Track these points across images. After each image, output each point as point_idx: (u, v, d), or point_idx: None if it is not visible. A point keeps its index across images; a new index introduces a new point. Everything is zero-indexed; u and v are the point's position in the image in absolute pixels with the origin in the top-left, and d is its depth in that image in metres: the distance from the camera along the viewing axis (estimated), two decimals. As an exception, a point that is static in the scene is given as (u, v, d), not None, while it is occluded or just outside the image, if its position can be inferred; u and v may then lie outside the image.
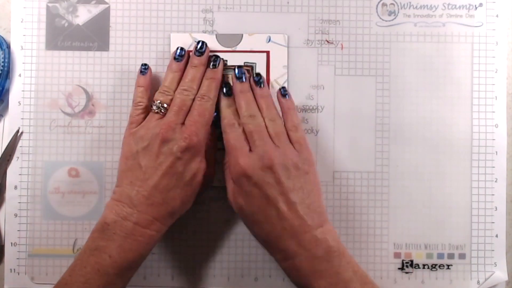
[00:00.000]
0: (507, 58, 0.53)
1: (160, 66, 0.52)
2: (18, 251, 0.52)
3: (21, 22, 0.52)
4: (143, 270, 0.52)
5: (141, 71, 0.51)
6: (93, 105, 0.52)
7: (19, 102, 0.52)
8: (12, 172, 0.52)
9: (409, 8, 0.53)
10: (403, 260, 0.52)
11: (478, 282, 0.52)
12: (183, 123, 0.47)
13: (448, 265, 0.52)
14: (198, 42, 0.50)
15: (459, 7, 0.53)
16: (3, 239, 0.52)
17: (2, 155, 0.52)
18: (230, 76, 0.51)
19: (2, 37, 0.52)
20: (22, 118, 0.52)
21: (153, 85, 0.52)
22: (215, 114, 0.50)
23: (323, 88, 0.53)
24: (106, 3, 0.52)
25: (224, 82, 0.50)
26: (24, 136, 0.52)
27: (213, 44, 0.52)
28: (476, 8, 0.53)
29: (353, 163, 0.52)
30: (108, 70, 0.52)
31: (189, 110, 0.48)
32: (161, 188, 0.46)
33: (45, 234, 0.52)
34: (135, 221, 0.45)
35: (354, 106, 0.53)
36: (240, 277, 0.52)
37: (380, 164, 0.53)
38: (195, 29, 0.52)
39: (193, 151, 0.47)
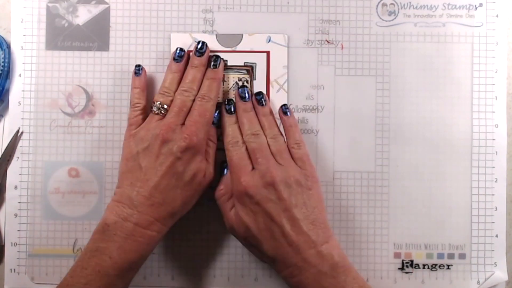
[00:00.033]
0: (507, 58, 0.53)
1: (160, 66, 0.52)
2: (18, 251, 0.52)
3: (21, 22, 0.52)
4: (143, 270, 0.52)
5: (135, 73, 0.51)
6: (93, 105, 0.52)
7: (19, 102, 0.52)
8: (12, 172, 0.52)
9: (409, 8, 0.53)
10: (403, 260, 0.52)
11: (478, 282, 0.52)
12: (183, 124, 0.48)
13: (448, 265, 0.52)
14: (198, 42, 0.50)
15: (459, 7, 0.53)
16: (3, 239, 0.52)
17: (2, 155, 0.52)
18: (233, 94, 0.51)
19: (2, 37, 0.52)
20: (22, 118, 0.52)
21: (151, 85, 0.52)
22: (216, 114, 0.50)
23: (323, 88, 0.53)
24: (106, 3, 0.52)
25: (227, 100, 0.50)
26: (24, 136, 0.52)
27: (213, 44, 0.52)
28: (476, 8, 0.53)
29: (353, 163, 0.52)
30: (108, 70, 0.52)
31: (190, 110, 0.48)
32: (161, 189, 0.46)
33: (45, 234, 0.52)
34: (136, 221, 0.45)
35: (354, 106, 0.53)
36: (240, 277, 0.52)
37: (380, 164, 0.53)
38: (195, 29, 0.52)
39: (193, 151, 0.47)
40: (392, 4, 0.53)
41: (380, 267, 0.52)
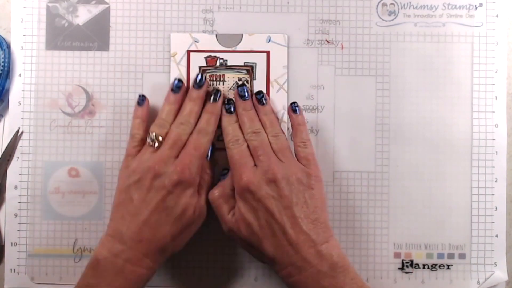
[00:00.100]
0: (507, 58, 0.53)
1: (160, 66, 0.52)
2: (18, 251, 0.52)
3: (21, 22, 0.52)
4: (143, 270, 0.52)
5: (138, 102, 0.50)
6: (93, 105, 0.52)
7: (19, 102, 0.52)
8: (12, 172, 0.52)
9: (409, 8, 0.53)
10: (403, 260, 0.52)
11: (478, 282, 0.52)
12: (177, 157, 0.47)
13: (448, 265, 0.52)
14: (197, 75, 0.50)
15: (459, 7, 0.53)
16: (3, 239, 0.52)
17: (2, 155, 0.52)
18: (233, 93, 0.51)
19: (2, 37, 0.52)
20: (22, 118, 0.52)
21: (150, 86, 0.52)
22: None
23: (323, 88, 0.53)
24: (106, 3, 0.52)
25: (227, 99, 0.50)
26: (24, 136, 0.52)
27: (213, 44, 0.52)
28: (476, 8, 0.53)
29: (353, 163, 0.53)
30: (108, 70, 0.52)
31: (184, 144, 0.48)
32: (151, 224, 0.45)
33: (45, 234, 0.52)
34: (126, 258, 0.45)
35: (354, 106, 0.53)
36: (240, 277, 0.52)
37: (380, 164, 0.53)
38: (195, 29, 0.52)
39: (185, 185, 0.46)
40: (392, 4, 0.53)
41: (380, 267, 0.52)
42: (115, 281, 0.44)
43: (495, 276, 0.52)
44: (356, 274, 0.45)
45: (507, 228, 0.53)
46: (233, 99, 0.50)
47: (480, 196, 0.53)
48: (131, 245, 0.45)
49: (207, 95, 0.50)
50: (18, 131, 0.52)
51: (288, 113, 0.51)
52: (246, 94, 0.50)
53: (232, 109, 0.50)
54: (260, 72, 0.52)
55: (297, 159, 0.49)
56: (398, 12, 0.53)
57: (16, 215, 0.52)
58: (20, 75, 0.52)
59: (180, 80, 0.50)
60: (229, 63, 0.52)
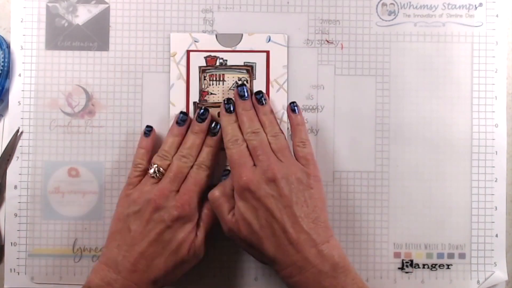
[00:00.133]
0: (507, 58, 0.53)
1: (160, 66, 0.52)
2: (18, 251, 0.52)
3: (21, 22, 0.52)
4: (143, 270, 0.52)
5: (144, 133, 0.50)
6: (93, 105, 0.52)
7: (19, 102, 0.52)
8: (12, 172, 0.52)
9: (409, 8, 0.53)
10: (403, 260, 0.52)
11: (478, 282, 0.52)
12: (177, 190, 0.48)
13: (448, 265, 0.52)
14: (200, 108, 0.50)
15: (459, 7, 0.53)
16: (3, 239, 0.52)
17: (2, 155, 0.52)
18: (233, 93, 0.51)
19: (2, 37, 0.52)
20: (22, 118, 0.52)
21: (149, 85, 0.52)
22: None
23: (323, 88, 0.53)
24: (106, 3, 0.52)
25: (226, 99, 0.50)
26: (24, 136, 0.52)
27: (213, 44, 0.52)
28: (476, 8, 0.53)
29: (353, 163, 0.52)
30: (108, 70, 0.52)
31: (185, 177, 0.48)
32: (147, 256, 0.46)
33: (45, 234, 0.52)
34: (119, 287, 0.45)
35: (354, 106, 0.53)
36: (240, 277, 0.52)
37: (380, 164, 0.53)
38: (195, 29, 0.52)
39: (184, 220, 0.47)
40: (392, 4, 0.53)
41: (380, 267, 0.52)
42: None
43: (495, 276, 0.52)
44: (356, 274, 0.45)
45: (507, 228, 0.53)
46: (233, 98, 0.50)
47: (480, 196, 0.53)
48: (125, 275, 0.45)
49: (208, 129, 0.50)
50: (18, 131, 0.52)
51: (287, 113, 0.51)
52: (246, 93, 0.50)
53: (232, 109, 0.50)
54: (260, 72, 0.52)
55: (296, 159, 0.49)
56: (398, 12, 0.53)
57: (16, 215, 0.52)
58: (20, 75, 0.52)
59: (185, 114, 0.50)
60: (229, 63, 0.52)
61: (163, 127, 0.52)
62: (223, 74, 0.52)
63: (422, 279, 0.52)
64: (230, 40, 0.52)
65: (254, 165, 0.47)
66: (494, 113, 0.53)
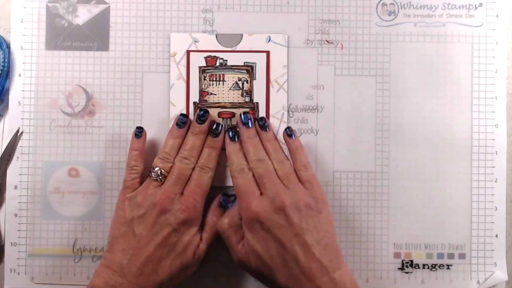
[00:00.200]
0: (507, 58, 0.53)
1: (160, 66, 0.52)
2: (18, 251, 0.52)
3: (21, 22, 0.52)
4: (143, 270, 0.52)
5: (135, 134, 0.50)
6: (93, 105, 0.52)
7: (19, 102, 0.52)
8: (12, 172, 0.52)
9: (409, 8, 0.53)
10: (403, 260, 0.52)
11: (478, 282, 0.52)
12: (181, 193, 0.48)
13: (448, 265, 0.52)
14: (200, 110, 0.50)
15: (459, 7, 0.53)
16: (3, 239, 0.52)
17: (2, 155, 0.52)
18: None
19: (2, 37, 0.52)
20: (22, 118, 0.52)
21: (148, 86, 0.52)
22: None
23: (323, 88, 0.53)
24: (106, 3, 0.52)
25: (230, 127, 0.50)
26: (24, 136, 0.52)
27: (213, 44, 0.52)
28: (476, 8, 0.53)
29: (353, 163, 0.52)
30: (108, 70, 0.52)
31: (188, 178, 0.48)
32: (154, 259, 0.46)
33: (45, 234, 0.52)
34: None
35: (354, 106, 0.53)
36: (240, 277, 0.52)
37: (380, 164, 0.53)
38: (195, 29, 0.52)
39: (190, 223, 0.47)
40: (392, 4, 0.53)
41: (380, 267, 0.52)
42: None
43: (495, 276, 0.52)
44: None
45: (507, 228, 0.53)
46: (237, 126, 0.50)
47: (480, 196, 0.53)
48: (131, 279, 0.45)
49: (209, 130, 0.50)
50: (18, 131, 0.52)
51: (284, 139, 0.50)
52: (250, 122, 0.50)
53: (236, 137, 0.50)
54: (260, 72, 0.52)
55: (301, 183, 0.48)
56: (398, 12, 0.53)
57: (16, 215, 0.52)
58: (20, 75, 0.52)
59: (185, 116, 0.50)
60: (229, 63, 0.52)
61: (163, 127, 0.52)
62: (223, 74, 0.52)
63: (422, 279, 0.52)
64: (230, 40, 0.52)
65: (261, 193, 0.47)
66: (494, 113, 0.53)
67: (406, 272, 0.52)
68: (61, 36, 0.52)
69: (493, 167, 0.53)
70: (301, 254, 0.44)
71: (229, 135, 0.50)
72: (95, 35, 0.52)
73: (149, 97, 0.52)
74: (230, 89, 0.52)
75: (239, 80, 0.52)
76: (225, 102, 0.52)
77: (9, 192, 0.52)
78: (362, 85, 0.53)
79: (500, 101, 0.53)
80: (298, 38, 0.53)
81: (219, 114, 0.52)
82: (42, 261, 0.52)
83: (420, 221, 0.52)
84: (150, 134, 0.52)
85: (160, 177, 0.48)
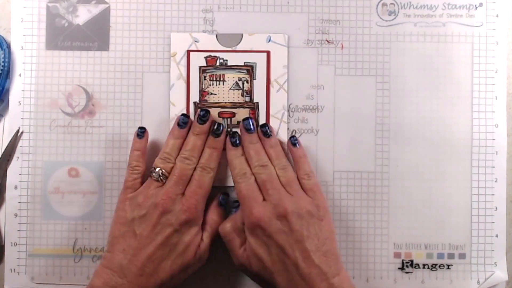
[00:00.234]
0: (507, 58, 0.53)
1: (160, 66, 0.52)
2: (18, 251, 0.52)
3: (21, 22, 0.52)
4: (143, 270, 0.52)
5: (138, 134, 0.50)
6: (93, 105, 0.52)
7: (19, 102, 0.52)
8: (12, 172, 0.52)
9: (409, 8, 0.53)
10: (403, 260, 0.52)
11: (478, 282, 0.52)
12: (182, 193, 0.47)
13: (448, 265, 0.52)
14: (201, 110, 0.50)
15: (459, 7, 0.53)
16: (3, 239, 0.52)
17: (2, 155, 0.52)
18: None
19: (2, 37, 0.52)
20: (22, 118, 0.52)
21: (148, 85, 0.52)
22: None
23: (323, 88, 0.53)
24: (106, 3, 0.52)
25: (232, 133, 0.50)
26: (24, 136, 0.52)
27: (213, 44, 0.52)
28: (476, 8, 0.53)
29: (353, 163, 0.52)
30: (108, 70, 0.52)
31: (189, 179, 0.48)
32: (154, 259, 0.46)
33: (45, 234, 0.52)
34: None
35: (354, 106, 0.53)
36: (240, 277, 0.52)
37: (380, 164, 0.53)
38: (195, 29, 0.53)
39: (191, 223, 0.47)
40: (392, 4, 0.53)
41: (380, 267, 0.52)
42: None
43: (495, 276, 0.52)
44: None
45: (507, 228, 0.53)
46: (238, 131, 0.50)
47: (480, 196, 0.53)
48: (131, 279, 0.45)
49: (210, 130, 0.50)
50: (18, 131, 0.52)
51: (288, 147, 0.51)
52: (252, 127, 0.50)
53: (238, 142, 0.50)
54: (260, 72, 0.52)
55: (303, 191, 0.48)
56: (398, 12, 0.53)
57: (16, 215, 0.52)
58: (20, 75, 0.52)
59: (186, 116, 0.50)
60: (229, 63, 0.52)
61: (163, 127, 0.52)
62: (223, 74, 0.52)
63: (422, 279, 0.52)
64: (230, 40, 0.52)
65: (264, 199, 0.47)
66: (494, 113, 0.53)
67: (406, 272, 0.52)
68: (61, 36, 0.52)
69: (493, 167, 0.53)
70: (301, 260, 0.45)
71: (231, 141, 0.50)
72: (95, 35, 0.52)
73: (149, 97, 0.52)
74: (230, 89, 0.52)
75: (239, 80, 0.52)
76: (225, 102, 0.52)
77: (9, 192, 0.52)
78: (362, 85, 0.53)
79: (500, 101, 0.53)
80: (298, 38, 0.53)
81: (219, 114, 0.52)
82: (42, 261, 0.52)
83: (420, 221, 0.52)
84: (150, 134, 0.51)
85: (161, 178, 0.48)
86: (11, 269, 0.52)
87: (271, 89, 0.52)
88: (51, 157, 0.52)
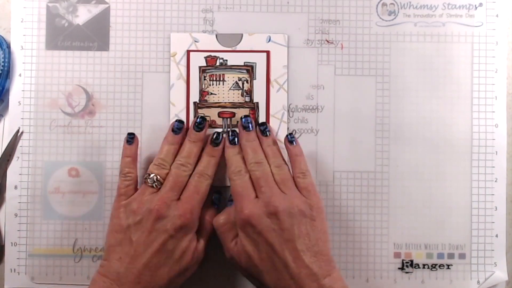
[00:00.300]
0: (507, 58, 0.53)
1: (160, 66, 0.52)
2: (18, 251, 0.52)
3: (21, 22, 0.52)
4: (143, 270, 0.52)
5: (127, 141, 0.50)
6: (93, 105, 0.52)
7: (19, 102, 0.52)
8: (12, 172, 0.52)
9: (409, 8, 0.53)
10: (403, 260, 0.52)
11: (478, 282, 0.52)
12: (177, 199, 0.47)
13: (448, 265, 0.52)
14: (198, 117, 0.50)
15: (459, 7, 0.53)
16: (3, 239, 0.52)
17: (2, 155, 0.52)
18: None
19: (2, 37, 0.52)
20: (22, 118, 0.52)
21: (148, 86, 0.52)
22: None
23: (323, 88, 0.53)
24: (106, 3, 0.52)
25: (230, 131, 0.50)
26: (24, 136, 0.52)
27: (213, 44, 0.52)
28: (476, 8, 0.53)
29: (353, 163, 0.52)
30: (108, 70, 0.52)
31: (184, 185, 0.48)
32: (151, 266, 0.45)
33: (45, 234, 0.52)
34: None
35: (354, 106, 0.53)
36: (240, 277, 0.52)
37: (380, 164, 0.53)
38: (195, 29, 0.53)
39: (187, 229, 0.47)
40: (392, 4, 0.53)
41: (380, 267, 0.52)
42: None
43: (495, 276, 0.52)
44: None
45: (507, 228, 0.53)
46: (237, 130, 0.50)
47: (480, 196, 0.53)
48: (128, 287, 0.45)
49: (210, 139, 0.50)
50: (18, 131, 0.52)
51: (285, 145, 0.50)
52: (250, 125, 0.50)
53: (236, 140, 0.50)
54: (260, 72, 0.52)
55: (298, 190, 0.48)
56: (398, 12, 0.53)
57: (16, 215, 0.52)
58: (20, 75, 0.52)
59: (181, 121, 0.50)
60: (229, 63, 0.52)
61: (163, 127, 0.52)
62: (223, 74, 0.52)
63: (422, 279, 0.52)
64: (230, 40, 0.52)
65: (257, 196, 0.47)
66: (494, 113, 0.53)
67: (406, 272, 0.52)
68: (61, 36, 0.52)
69: (493, 167, 0.53)
70: (290, 260, 0.44)
71: (228, 138, 0.50)
72: (95, 35, 0.52)
73: (149, 97, 0.52)
74: (230, 89, 0.52)
75: (239, 80, 0.52)
76: (225, 102, 0.52)
77: (9, 192, 0.52)
78: (362, 85, 0.53)
79: (500, 101, 0.53)
80: (298, 38, 0.53)
81: (219, 114, 0.52)
82: (42, 261, 0.52)
83: (420, 221, 0.52)
84: (150, 134, 0.52)
85: (156, 184, 0.48)
86: (11, 269, 0.52)
87: (271, 89, 0.52)
88: (51, 157, 0.52)
